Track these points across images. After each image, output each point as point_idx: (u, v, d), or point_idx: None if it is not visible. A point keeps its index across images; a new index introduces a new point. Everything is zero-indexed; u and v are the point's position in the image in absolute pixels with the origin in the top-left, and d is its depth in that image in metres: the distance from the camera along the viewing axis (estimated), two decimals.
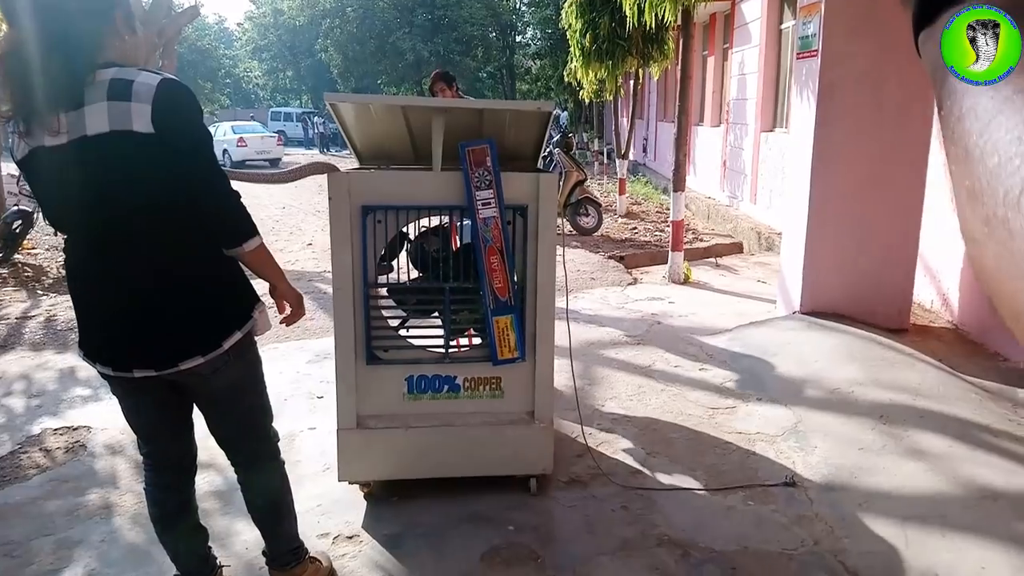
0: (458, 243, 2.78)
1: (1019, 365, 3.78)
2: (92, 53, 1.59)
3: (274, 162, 22.17)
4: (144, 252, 1.65)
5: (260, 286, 1.90)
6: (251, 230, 1.74)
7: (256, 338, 1.90)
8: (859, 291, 4.36)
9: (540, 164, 3.11)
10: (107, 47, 1.62)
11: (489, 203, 2.48)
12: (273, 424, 2.03)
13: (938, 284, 4.76)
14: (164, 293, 1.67)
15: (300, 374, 3.95)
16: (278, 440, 2.05)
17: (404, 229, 2.60)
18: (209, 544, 2.07)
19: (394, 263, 2.69)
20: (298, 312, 1.96)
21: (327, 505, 2.59)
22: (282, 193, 13.56)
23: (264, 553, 2.09)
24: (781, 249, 4.83)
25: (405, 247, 2.77)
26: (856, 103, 4.19)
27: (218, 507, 2.60)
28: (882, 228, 4.30)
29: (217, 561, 2.10)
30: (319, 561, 2.17)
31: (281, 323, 2.00)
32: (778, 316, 4.67)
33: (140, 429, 1.90)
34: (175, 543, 1.99)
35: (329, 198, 2.44)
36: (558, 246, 2.57)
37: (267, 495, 2.01)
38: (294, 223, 10.17)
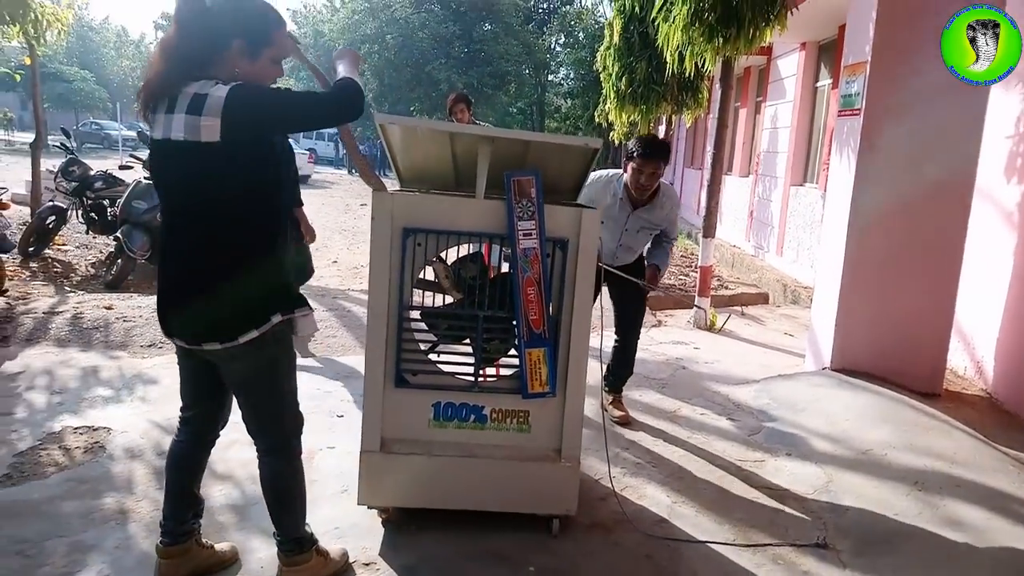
0: (494, 271, 2.76)
1: None
2: (194, 68, 1.82)
3: (304, 179, 22.48)
4: (192, 241, 1.90)
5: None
6: (353, 94, 1.90)
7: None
8: (891, 352, 4.27)
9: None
10: (216, 67, 1.85)
11: (530, 234, 2.46)
12: (293, 421, 2.13)
13: (972, 351, 4.66)
14: (199, 279, 1.90)
15: (321, 391, 3.92)
16: (297, 435, 2.15)
17: (443, 254, 2.59)
18: (198, 515, 2.21)
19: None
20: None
21: (344, 528, 2.53)
22: (308, 210, 13.67)
23: (274, 535, 2.17)
24: (813, 303, 4.76)
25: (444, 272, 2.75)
26: (898, 162, 4.16)
27: (235, 521, 2.55)
28: (917, 291, 4.23)
29: (195, 533, 2.20)
30: (327, 556, 2.22)
31: None
32: (807, 371, 4.58)
33: (182, 387, 2.15)
34: (173, 484, 2.15)
35: (372, 218, 2.44)
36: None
37: (274, 484, 2.12)
38: (320, 241, 10.16)
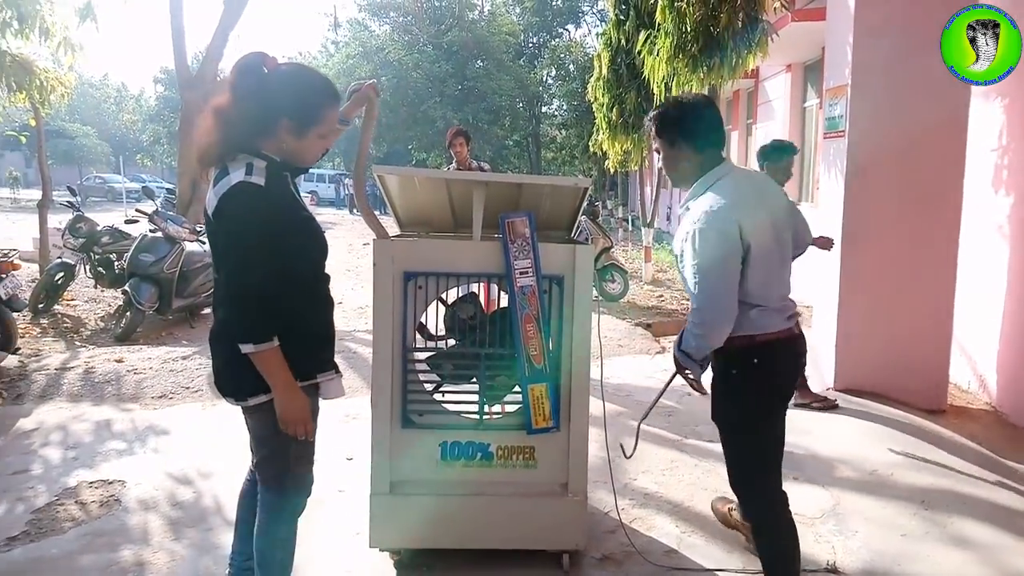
0: (493, 308, 2.83)
1: None
2: (243, 139, 1.87)
3: None
4: (218, 302, 2.02)
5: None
6: (245, 337, 1.83)
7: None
8: (893, 370, 4.31)
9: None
10: (264, 141, 1.90)
11: (527, 272, 2.53)
12: (294, 483, 2.07)
13: (974, 365, 4.69)
14: (219, 338, 1.98)
15: (330, 434, 3.96)
16: (297, 495, 2.09)
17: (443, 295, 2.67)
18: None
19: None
20: (297, 429, 1.94)
21: (356, 572, 2.57)
22: None
23: None
24: (812, 325, 4.80)
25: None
26: (886, 182, 4.24)
27: None
28: (915, 307, 4.28)
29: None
30: None
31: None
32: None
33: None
34: (239, 520, 2.26)
35: (374, 264, 2.52)
36: (592, 315, 2.60)
37: (258, 535, 2.08)
38: None
